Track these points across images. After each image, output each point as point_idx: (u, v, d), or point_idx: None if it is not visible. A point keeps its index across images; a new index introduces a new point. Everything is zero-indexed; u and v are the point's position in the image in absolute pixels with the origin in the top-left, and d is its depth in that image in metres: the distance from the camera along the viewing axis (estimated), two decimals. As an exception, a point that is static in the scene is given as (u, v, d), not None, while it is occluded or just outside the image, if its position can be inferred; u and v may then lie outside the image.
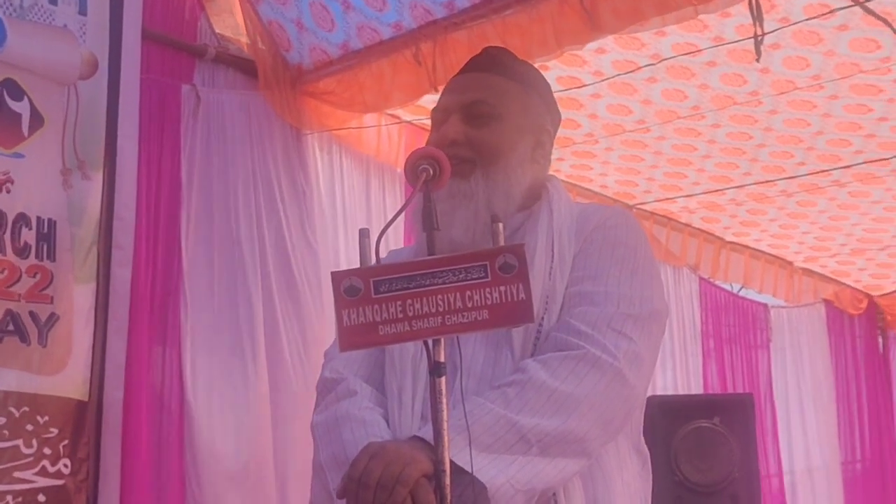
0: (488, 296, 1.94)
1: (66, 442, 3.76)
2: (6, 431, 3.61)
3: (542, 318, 2.37)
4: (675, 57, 4.64)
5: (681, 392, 7.04)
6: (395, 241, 4.68)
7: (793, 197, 6.48)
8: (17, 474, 3.62)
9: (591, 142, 5.67)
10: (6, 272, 3.70)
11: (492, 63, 2.64)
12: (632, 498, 2.44)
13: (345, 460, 2.25)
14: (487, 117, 2.52)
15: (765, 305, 8.26)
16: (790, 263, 7.99)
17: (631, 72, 4.78)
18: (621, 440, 2.42)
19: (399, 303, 1.95)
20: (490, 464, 2.12)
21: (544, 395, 2.20)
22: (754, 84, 4.89)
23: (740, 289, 8.03)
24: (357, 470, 2.10)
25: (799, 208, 6.73)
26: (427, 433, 2.11)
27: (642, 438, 2.56)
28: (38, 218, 3.80)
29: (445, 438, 1.96)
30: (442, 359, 1.98)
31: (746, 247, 7.61)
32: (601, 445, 2.31)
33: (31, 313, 3.74)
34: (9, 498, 3.58)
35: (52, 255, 3.82)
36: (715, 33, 4.45)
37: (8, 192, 3.74)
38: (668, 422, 5.15)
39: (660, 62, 4.68)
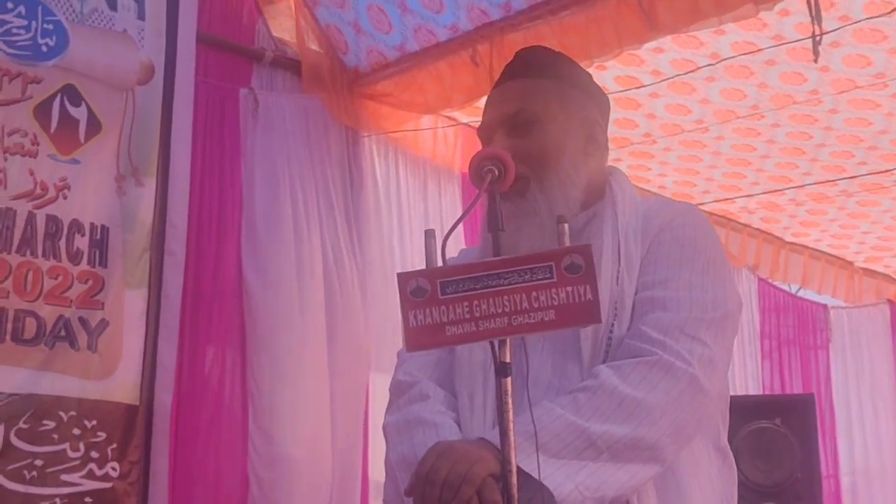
0: (555, 296, 1.91)
1: (114, 445, 3.75)
2: (55, 436, 3.62)
3: (613, 325, 2.30)
4: (734, 57, 4.56)
5: (739, 393, 6.94)
6: (455, 242, 4.63)
7: (853, 197, 6.36)
8: (63, 477, 3.63)
9: (649, 142, 5.59)
10: (60, 278, 3.70)
11: (526, 67, 2.54)
12: (710, 499, 2.35)
13: (414, 461, 2.22)
14: (529, 124, 2.43)
15: (824, 306, 8.13)
16: (850, 263, 7.85)
17: (690, 72, 4.71)
18: (697, 441, 2.33)
19: (465, 303, 1.92)
20: (558, 470, 2.07)
21: (615, 400, 2.14)
22: (814, 83, 4.80)
23: (798, 289, 7.91)
24: (424, 467, 2.07)
25: (860, 208, 6.60)
26: (494, 436, 2.05)
27: (723, 436, 2.46)
28: (92, 224, 3.80)
29: (511, 437, 1.92)
30: (508, 359, 1.93)
31: (806, 247, 7.48)
32: (675, 452, 2.23)
33: (81, 319, 3.73)
34: (56, 500, 3.60)
35: (104, 262, 3.81)
36: (774, 32, 4.37)
37: (64, 198, 3.74)
38: (729, 422, 5.08)
39: (719, 62, 4.60)
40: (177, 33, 4.14)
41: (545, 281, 1.91)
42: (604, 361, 2.26)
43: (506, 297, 1.91)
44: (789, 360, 7.71)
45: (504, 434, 1.92)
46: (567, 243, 1.96)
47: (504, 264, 1.94)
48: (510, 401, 1.92)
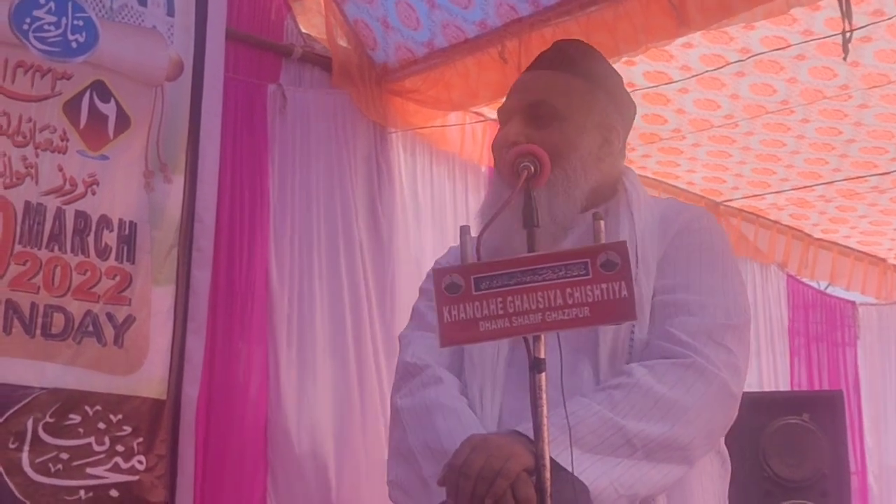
0: (589, 293, 1.92)
1: (140, 439, 3.77)
2: (81, 430, 3.63)
3: (633, 327, 2.30)
4: (764, 52, 4.53)
5: (767, 389, 6.91)
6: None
7: (885, 193, 6.31)
8: (89, 470, 3.65)
9: (678, 138, 5.56)
10: (88, 273, 3.72)
11: (559, 60, 2.55)
12: (709, 499, 2.39)
13: (439, 449, 2.24)
14: (549, 118, 2.44)
15: (853, 303, 8.07)
16: (882, 260, 7.79)
17: (719, 67, 4.68)
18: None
19: (500, 299, 1.93)
20: (594, 465, 2.09)
21: (651, 400, 2.16)
22: (844, 78, 4.76)
23: (827, 286, 7.86)
24: (458, 459, 2.08)
25: (891, 204, 6.54)
26: (527, 428, 2.05)
27: (723, 439, 2.48)
28: (120, 220, 3.81)
29: (545, 434, 1.93)
30: (542, 355, 1.94)
31: (835, 243, 7.43)
32: (703, 454, 2.27)
33: (109, 314, 3.74)
34: (81, 493, 3.62)
35: (131, 258, 3.82)
36: (804, 27, 4.33)
37: (93, 193, 3.76)
38: (757, 418, 5.08)
39: (748, 57, 4.57)
40: (206, 29, 4.14)
41: (580, 277, 1.92)
42: (627, 363, 2.26)
43: (540, 293, 1.92)
44: (818, 356, 7.67)
45: (538, 429, 1.93)
46: (603, 240, 1.95)
47: (539, 260, 1.95)
48: (544, 396, 1.92)
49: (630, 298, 1.90)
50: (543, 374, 1.93)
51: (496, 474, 2.02)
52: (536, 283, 1.92)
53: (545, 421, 1.92)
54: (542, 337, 1.94)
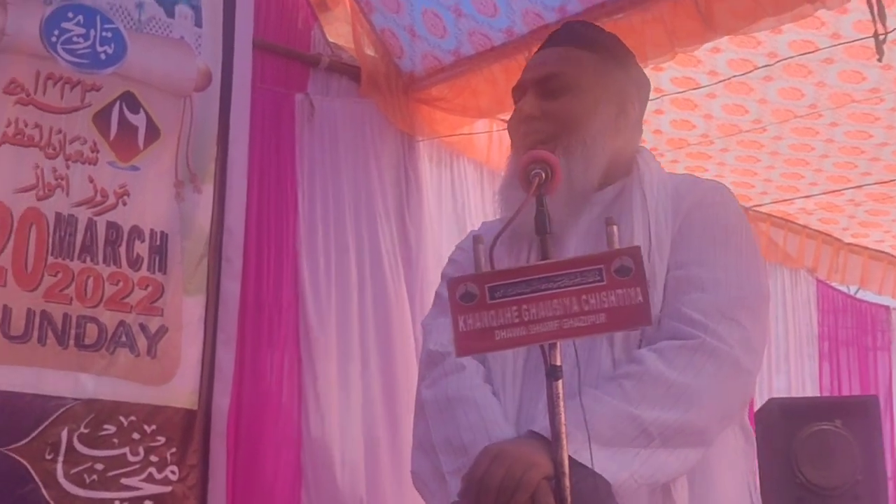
0: (605, 299, 1.89)
1: (173, 450, 3.79)
2: (115, 440, 3.67)
3: None
4: (792, 56, 4.52)
5: (796, 394, 6.87)
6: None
7: (916, 196, 6.29)
8: (124, 481, 3.68)
9: (707, 143, 5.54)
10: (121, 284, 3.75)
11: (569, 35, 2.54)
12: (736, 476, 2.36)
13: (460, 445, 2.23)
14: (562, 89, 2.42)
15: (886, 307, 8.02)
16: (915, 264, 7.76)
17: (748, 72, 4.67)
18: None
19: (515, 308, 1.91)
20: (611, 458, 2.06)
21: (663, 386, 2.14)
22: (874, 81, 4.74)
23: (857, 290, 7.81)
24: (478, 472, 2.05)
25: (922, 208, 6.52)
26: (544, 427, 2.04)
27: (746, 414, 2.45)
28: (152, 230, 3.85)
29: (564, 442, 1.92)
30: (559, 362, 1.92)
31: (866, 248, 7.38)
32: (720, 433, 2.24)
33: (142, 325, 3.77)
34: (116, 503, 3.64)
35: (163, 268, 3.85)
36: (832, 30, 4.32)
37: (124, 204, 3.79)
38: (789, 424, 5.03)
39: (776, 61, 4.56)
40: (233, 40, 4.18)
41: (595, 284, 1.89)
42: (640, 342, 2.24)
43: (555, 300, 1.90)
44: (848, 362, 7.63)
45: (557, 438, 1.92)
46: (616, 245, 1.94)
47: (553, 268, 1.93)
48: (562, 404, 1.92)
49: (646, 303, 1.89)
50: (560, 382, 1.92)
51: (516, 485, 2.00)
52: (552, 291, 1.90)
53: (563, 429, 1.91)
54: (559, 344, 1.93)
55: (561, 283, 1.91)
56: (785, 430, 5.00)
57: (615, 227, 1.96)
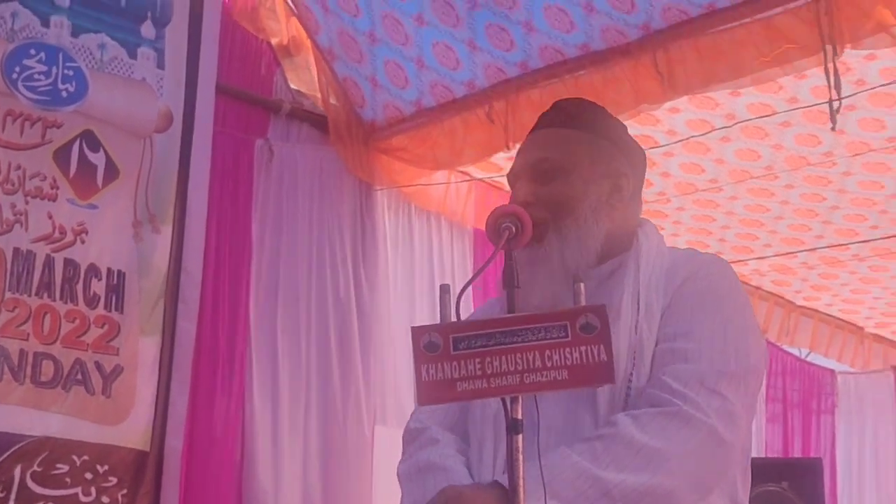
0: (568, 356, 1.88)
1: (125, 491, 3.77)
2: (68, 479, 3.64)
3: (632, 375, 2.27)
4: (750, 119, 4.57)
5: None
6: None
7: (865, 261, 6.34)
8: None
9: (663, 201, 5.59)
10: (77, 322, 3.73)
11: (558, 117, 2.56)
12: None
13: None
14: (553, 172, 2.43)
15: (832, 371, 8.09)
16: (861, 329, 7.81)
17: (705, 133, 4.72)
18: (714, 494, 2.29)
19: (478, 360, 1.90)
20: None
21: (633, 449, 2.12)
22: (829, 145, 4.81)
23: (808, 354, 7.88)
24: None
25: (871, 273, 6.58)
26: (506, 479, 2.01)
27: (742, 491, 2.38)
28: (109, 269, 3.84)
29: (521, 494, 1.90)
30: (520, 416, 1.91)
31: (816, 311, 7.45)
32: (695, 503, 2.21)
33: (97, 363, 3.76)
34: None
35: (119, 307, 3.84)
36: (790, 94, 4.38)
37: (83, 242, 3.77)
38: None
39: (734, 123, 4.61)
40: (196, 83, 4.19)
41: (559, 340, 1.89)
42: (623, 411, 2.23)
43: (518, 354, 1.89)
44: (794, 423, 7.68)
45: (514, 491, 1.90)
46: (583, 302, 1.94)
47: (518, 322, 1.92)
48: (521, 457, 1.90)
49: (609, 362, 1.87)
50: (520, 436, 1.90)
51: None
52: (515, 345, 1.89)
53: (521, 483, 1.89)
54: (520, 398, 1.92)
55: (525, 337, 1.90)
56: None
57: (581, 285, 1.96)
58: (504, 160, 4.97)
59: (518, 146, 4.31)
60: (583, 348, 1.88)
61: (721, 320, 2.31)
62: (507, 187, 4.97)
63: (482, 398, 1.94)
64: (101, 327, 3.78)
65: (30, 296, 3.65)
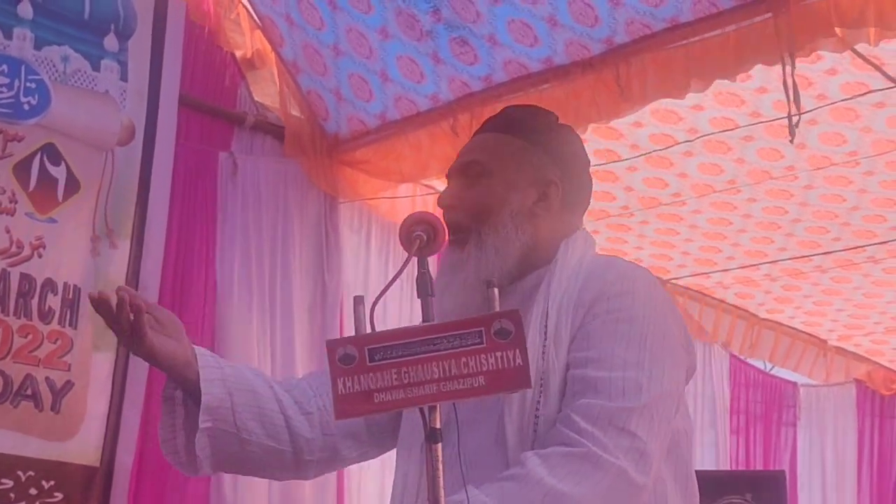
0: (484, 362, 1.87)
1: None
2: (12, 495, 3.58)
3: (539, 403, 2.22)
4: (712, 133, 4.58)
5: (707, 468, 6.87)
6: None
7: (828, 273, 6.34)
8: None
9: (627, 214, 5.58)
10: (30, 337, 3.66)
11: (499, 121, 2.54)
12: None
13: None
14: (477, 176, 2.40)
15: (794, 384, 8.08)
16: (824, 342, 7.78)
17: (668, 147, 4.72)
18: None
19: (394, 370, 1.88)
20: None
21: (541, 492, 2.07)
22: (791, 159, 4.81)
23: (772, 367, 7.86)
24: None
25: (834, 284, 6.58)
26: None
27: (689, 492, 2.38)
28: (65, 284, 3.76)
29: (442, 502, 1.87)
30: (438, 425, 1.88)
31: (779, 324, 7.42)
32: None
33: (48, 379, 3.69)
34: None
35: (73, 322, 3.77)
36: (752, 108, 4.39)
37: (39, 256, 3.71)
38: (700, 497, 5.04)
39: (697, 137, 4.61)
40: (159, 95, 4.12)
41: (475, 346, 1.87)
42: (532, 440, 2.19)
43: (435, 363, 1.87)
44: (757, 436, 7.67)
45: (436, 500, 1.87)
46: (496, 308, 1.92)
47: (433, 330, 1.91)
48: (441, 467, 1.87)
49: (524, 366, 1.86)
50: (439, 445, 1.88)
51: None
52: (431, 353, 1.88)
53: (441, 491, 1.87)
54: (438, 407, 1.89)
55: (441, 345, 1.88)
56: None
57: (495, 290, 1.94)
58: (469, 174, 4.95)
59: None
60: (498, 354, 1.87)
61: (636, 346, 2.24)
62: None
63: (400, 408, 1.94)
64: (55, 342, 3.71)
65: (-16, 310, 3.58)
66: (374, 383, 1.88)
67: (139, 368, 3.90)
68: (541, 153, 2.46)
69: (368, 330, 1.94)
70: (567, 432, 2.14)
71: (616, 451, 2.11)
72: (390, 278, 5.02)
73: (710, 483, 5.18)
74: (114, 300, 2.17)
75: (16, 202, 3.70)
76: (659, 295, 2.39)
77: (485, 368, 1.87)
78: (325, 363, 3.95)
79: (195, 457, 2.29)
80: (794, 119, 3.53)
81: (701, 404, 7.05)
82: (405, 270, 2.10)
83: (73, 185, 3.84)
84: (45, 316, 3.70)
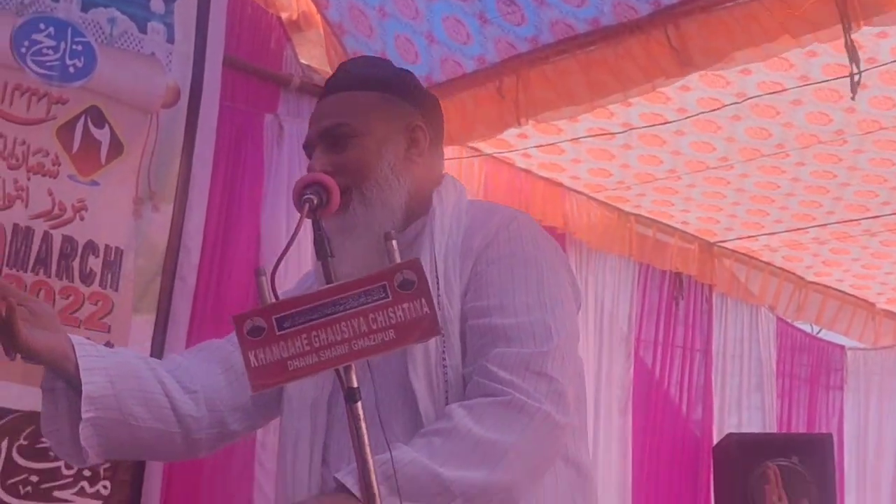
0: (392, 315, 1.87)
1: (106, 465, 3.67)
2: (51, 453, 3.54)
3: (444, 354, 2.22)
4: (760, 96, 4.49)
5: (754, 430, 6.81)
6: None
7: (877, 236, 6.26)
8: (56, 494, 3.60)
9: (674, 178, 5.51)
10: (71, 298, 3.64)
11: (344, 79, 2.48)
12: None
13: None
14: (346, 138, 2.36)
15: (841, 347, 7.97)
16: (872, 305, 7.69)
17: (715, 110, 4.63)
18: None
19: (304, 336, 1.87)
20: None
21: (470, 444, 2.08)
22: (839, 123, 4.72)
23: (819, 330, 7.76)
24: None
25: (883, 248, 6.49)
26: (346, 474, 2.03)
27: (576, 448, 2.36)
28: (107, 246, 3.73)
29: (370, 465, 1.86)
30: (355, 384, 1.88)
31: (827, 287, 7.34)
32: (529, 488, 2.19)
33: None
34: None
35: (115, 285, 3.74)
36: (801, 72, 4.30)
37: (81, 219, 3.68)
38: (746, 459, 5.03)
39: (744, 100, 4.53)
40: (205, 57, 4.06)
41: (381, 301, 1.87)
42: (445, 390, 2.20)
43: (344, 323, 1.87)
44: (802, 399, 7.58)
45: (364, 462, 1.86)
46: (397, 259, 1.91)
47: (338, 291, 1.89)
48: (363, 426, 1.86)
49: (431, 313, 1.86)
50: (359, 403, 1.86)
51: None
52: (339, 314, 1.87)
53: (368, 451, 1.85)
54: (353, 366, 1.88)
55: (347, 305, 1.88)
56: (742, 464, 4.98)
57: (394, 243, 1.93)
58: (514, 136, 4.90)
59: (530, 122, 4.26)
60: (405, 305, 1.87)
61: (534, 287, 2.26)
62: (518, 163, 4.88)
63: (315, 373, 1.90)
64: (95, 304, 3.69)
65: (26, 272, 3.56)
66: (286, 351, 1.86)
67: (180, 329, 3.88)
68: (399, 101, 2.44)
69: (272, 300, 1.91)
70: (487, 383, 2.16)
71: (537, 395, 2.14)
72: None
73: (757, 446, 5.14)
74: None
75: (59, 165, 3.66)
76: (543, 236, 2.42)
77: (393, 322, 1.86)
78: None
79: (80, 446, 2.25)
80: (856, 77, 3.47)
81: (747, 367, 6.97)
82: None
83: (116, 147, 3.80)
84: (87, 278, 3.67)
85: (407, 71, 2.57)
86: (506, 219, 2.37)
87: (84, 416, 2.21)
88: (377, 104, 2.41)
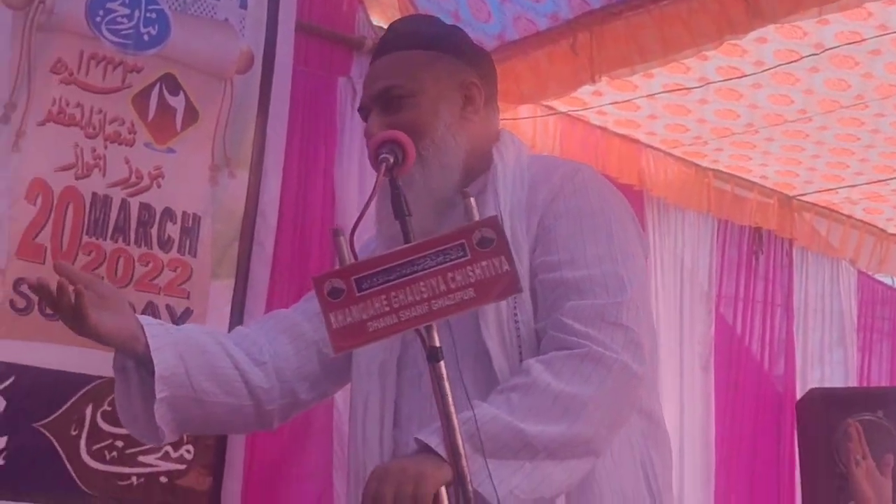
0: (471, 273, 1.88)
1: None
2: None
3: (516, 311, 2.20)
4: (838, 46, 4.39)
5: (836, 384, 6.72)
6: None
7: (960, 188, 6.12)
8: (141, 458, 3.63)
9: (751, 132, 5.41)
10: (150, 265, 3.66)
11: (394, 40, 2.46)
12: (626, 462, 2.28)
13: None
14: (400, 99, 2.35)
15: (925, 299, 7.85)
16: (956, 256, 7.57)
17: (793, 61, 4.54)
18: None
19: (384, 297, 1.88)
20: (494, 472, 2.00)
21: (549, 398, 2.07)
22: (921, 74, 4.61)
23: (903, 281, 7.64)
24: (368, 492, 2.01)
25: (967, 199, 6.35)
26: (429, 434, 2.01)
27: (650, 397, 2.35)
28: (184, 213, 3.74)
29: (455, 422, 1.87)
30: (437, 343, 1.88)
31: (909, 239, 7.22)
32: (610, 440, 2.18)
33: (168, 307, 3.69)
34: (133, 479, 3.61)
35: (193, 251, 3.75)
36: (879, 21, 4.19)
37: (158, 186, 3.69)
38: (830, 414, 4.92)
39: (823, 52, 4.43)
40: (277, 22, 4.05)
41: (459, 260, 1.88)
42: (518, 347, 2.18)
43: (422, 282, 1.87)
44: (886, 352, 7.46)
45: (449, 422, 1.85)
46: (476, 217, 1.91)
47: (415, 250, 1.90)
48: (447, 385, 1.85)
49: (512, 271, 1.87)
50: (442, 363, 1.86)
51: (412, 501, 1.95)
52: (417, 274, 1.87)
53: (452, 410, 1.85)
54: (434, 326, 1.88)
55: (425, 264, 1.88)
56: (826, 419, 4.89)
57: (472, 200, 1.93)
58: (589, 94, 4.83)
59: (604, 78, 4.20)
60: (484, 263, 1.87)
61: (604, 240, 2.24)
62: (592, 120, 4.83)
63: (395, 333, 1.91)
64: (174, 271, 3.71)
65: (105, 240, 3.58)
66: (366, 312, 1.88)
67: (259, 294, 3.89)
68: (452, 58, 2.42)
69: (351, 261, 1.91)
70: (563, 336, 2.14)
71: (614, 345, 2.13)
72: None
73: (842, 400, 5.03)
74: (53, 285, 2.10)
75: (135, 133, 3.68)
76: (608, 187, 2.40)
77: (472, 280, 1.87)
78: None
79: (155, 425, 2.26)
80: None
81: (829, 321, 6.87)
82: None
83: (191, 114, 3.80)
84: (165, 245, 3.69)
85: (457, 27, 2.56)
86: (570, 172, 2.35)
87: (158, 395, 2.22)
88: (429, 63, 2.39)
